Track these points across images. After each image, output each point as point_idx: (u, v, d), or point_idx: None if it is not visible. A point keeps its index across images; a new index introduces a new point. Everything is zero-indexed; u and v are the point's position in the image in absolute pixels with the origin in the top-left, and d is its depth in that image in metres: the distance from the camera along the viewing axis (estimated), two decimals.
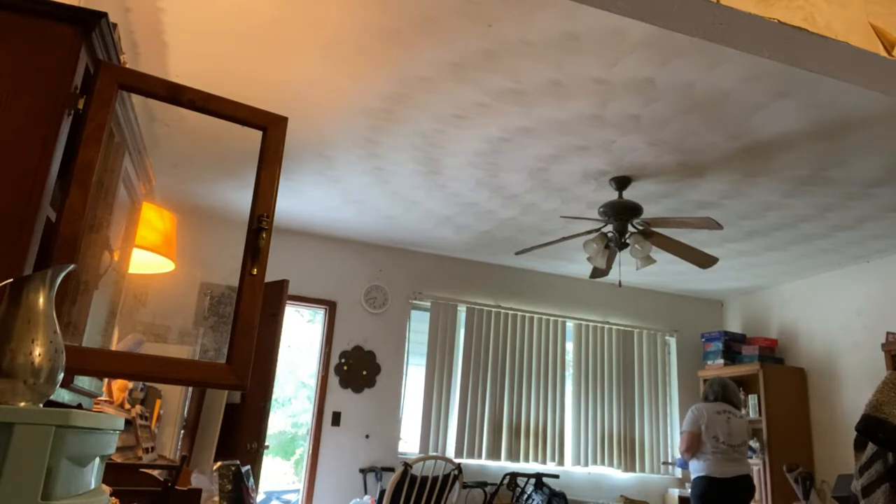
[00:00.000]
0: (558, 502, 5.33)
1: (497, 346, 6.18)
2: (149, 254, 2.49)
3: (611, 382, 6.49)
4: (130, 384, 2.99)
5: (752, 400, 6.01)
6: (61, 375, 1.04)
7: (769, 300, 6.62)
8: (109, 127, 1.42)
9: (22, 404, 0.98)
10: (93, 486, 1.13)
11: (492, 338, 6.18)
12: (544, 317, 6.41)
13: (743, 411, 4.40)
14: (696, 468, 4.24)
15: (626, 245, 4.12)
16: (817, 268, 5.90)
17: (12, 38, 1.32)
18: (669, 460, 6.40)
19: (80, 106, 1.37)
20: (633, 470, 6.32)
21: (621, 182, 4.23)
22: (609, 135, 3.70)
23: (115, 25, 1.61)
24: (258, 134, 1.61)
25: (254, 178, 1.57)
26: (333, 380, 5.65)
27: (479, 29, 2.82)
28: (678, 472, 6.42)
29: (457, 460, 5.43)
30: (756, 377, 6.00)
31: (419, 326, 6.11)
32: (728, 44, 1.91)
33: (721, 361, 6.33)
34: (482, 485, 5.59)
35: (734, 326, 6.95)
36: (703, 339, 6.68)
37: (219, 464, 3.59)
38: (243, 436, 4.73)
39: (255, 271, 1.49)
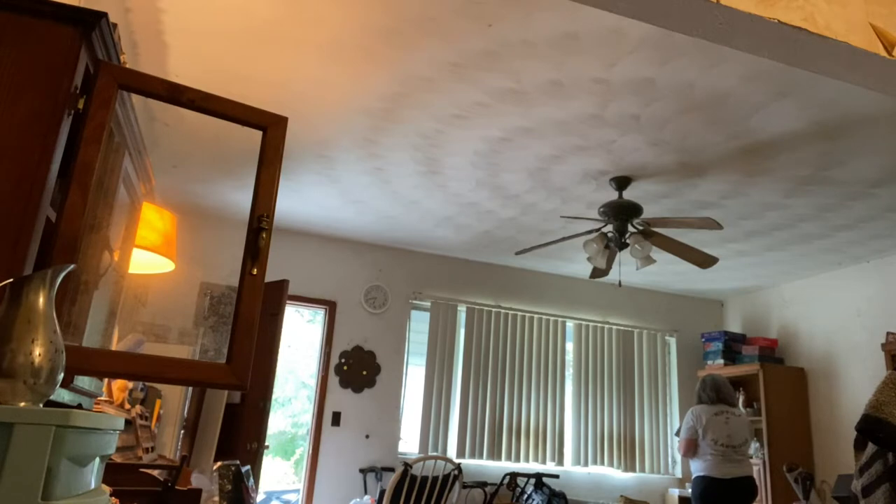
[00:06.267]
0: (558, 502, 5.33)
1: (497, 346, 6.18)
2: (149, 254, 2.49)
3: (611, 382, 6.49)
4: (130, 384, 2.99)
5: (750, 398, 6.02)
6: (61, 375, 1.04)
7: (769, 300, 6.62)
8: (109, 127, 1.42)
9: (22, 404, 0.98)
10: (93, 486, 1.13)
11: (492, 338, 6.18)
12: (544, 317, 6.41)
13: (740, 409, 4.38)
14: (696, 468, 4.24)
15: (626, 245, 4.12)
16: (817, 268, 5.90)
17: (12, 38, 1.32)
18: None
19: (80, 106, 1.37)
20: (633, 470, 6.32)
21: (621, 182, 4.23)
22: (609, 135, 3.70)
23: (115, 25, 1.61)
24: (258, 134, 1.60)
25: (254, 178, 1.57)
26: (333, 380, 5.65)
27: (479, 29, 2.82)
28: (678, 470, 6.43)
29: (457, 460, 5.43)
30: (756, 377, 6.00)
31: (419, 326, 6.11)
32: (728, 44, 1.91)
33: (721, 361, 6.33)
34: (482, 485, 5.59)
35: (734, 326, 6.95)
36: (703, 339, 6.68)
37: (219, 464, 3.59)
38: (243, 436, 4.73)
39: (255, 271, 1.49)
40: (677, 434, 5.71)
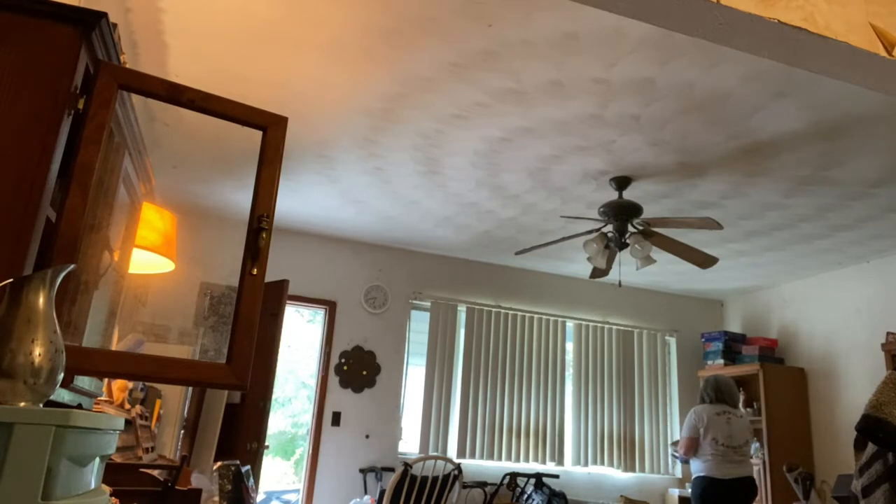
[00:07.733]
0: (558, 502, 5.33)
1: (497, 346, 6.18)
2: (149, 254, 2.49)
3: (611, 382, 6.49)
4: (130, 384, 2.99)
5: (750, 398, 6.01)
6: (61, 375, 1.04)
7: (769, 300, 6.61)
8: (109, 127, 1.42)
9: (22, 404, 0.98)
10: (93, 486, 1.13)
11: (492, 338, 6.18)
12: (544, 317, 6.41)
13: (741, 410, 4.38)
14: (697, 468, 4.25)
15: (626, 245, 4.12)
16: (817, 268, 5.90)
17: (12, 38, 1.31)
18: (673, 440, 6.40)
19: (80, 106, 1.37)
20: (633, 470, 6.32)
21: (621, 182, 4.23)
22: (609, 135, 3.70)
23: (115, 25, 1.61)
24: (258, 134, 1.60)
25: (254, 178, 1.57)
26: (333, 380, 5.65)
27: (479, 29, 2.82)
28: (678, 470, 6.42)
29: (457, 460, 5.43)
30: (756, 377, 6.00)
31: (419, 326, 6.11)
32: (728, 44, 1.91)
33: (721, 361, 6.33)
34: (482, 485, 5.59)
35: (734, 326, 6.95)
36: (703, 339, 6.68)
37: (219, 464, 3.59)
38: (243, 436, 4.73)
39: (255, 271, 1.49)
40: (675, 445, 5.73)
